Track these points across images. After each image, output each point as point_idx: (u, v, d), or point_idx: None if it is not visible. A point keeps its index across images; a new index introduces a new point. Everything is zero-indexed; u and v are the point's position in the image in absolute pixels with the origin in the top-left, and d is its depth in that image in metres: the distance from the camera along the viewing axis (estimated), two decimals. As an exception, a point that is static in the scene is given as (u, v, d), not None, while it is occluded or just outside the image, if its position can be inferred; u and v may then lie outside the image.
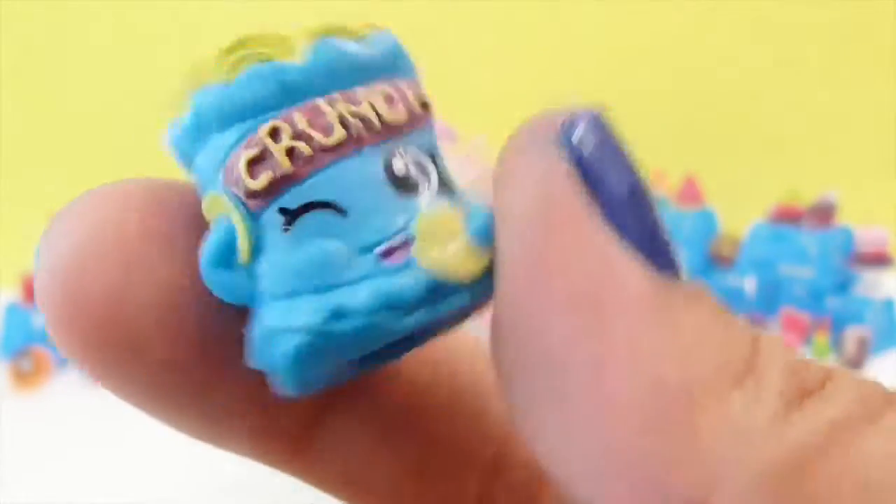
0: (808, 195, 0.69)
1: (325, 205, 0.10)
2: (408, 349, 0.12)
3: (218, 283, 0.10)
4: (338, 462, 0.13)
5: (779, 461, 0.08)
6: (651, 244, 0.10)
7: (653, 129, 0.92)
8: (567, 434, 0.09)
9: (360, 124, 0.11)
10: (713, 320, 0.09)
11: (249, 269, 0.10)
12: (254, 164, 0.10)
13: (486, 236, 0.11)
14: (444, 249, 0.10)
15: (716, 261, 0.73)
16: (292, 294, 0.10)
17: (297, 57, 0.11)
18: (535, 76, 0.90)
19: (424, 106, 0.12)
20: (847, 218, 0.68)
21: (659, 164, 0.80)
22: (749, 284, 0.73)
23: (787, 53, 0.90)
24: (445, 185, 0.12)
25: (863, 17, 0.88)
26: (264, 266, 0.10)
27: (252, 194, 0.10)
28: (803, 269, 0.68)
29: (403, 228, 0.11)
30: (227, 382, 0.11)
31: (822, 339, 0.65)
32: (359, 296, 0.10)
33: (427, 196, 0.11)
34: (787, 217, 0.69)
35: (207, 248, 0.10)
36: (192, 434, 0.12)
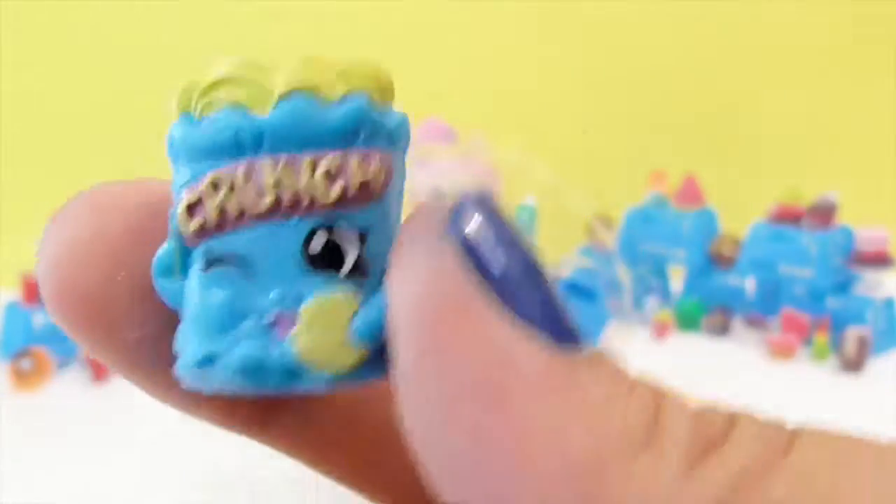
0: (808, 195, 0.69)
1: (237, 261, 0.11)
2: (296, 392, 0.12)
3: (160, 288, 0.12)
4: (292, 443, 0.14)
5: None
6: (547, 317, 0.10)
7: (653, 129, 0.92)
8: None
9: (290, 197, 0.11)
10: (614, 387, 0.10)
11: (181, 286, 0.12)
12: (191, 207, 0.12)
13: (369, 335, 0.11)
14: (320, 339, 0.11)
15: (716, 261, 0.74)
16: (192, 325, 0.12)
17: (267, 108, 0.12)
18: (534, 76, 0.90)
19: (367, 184, 0.12)
20: (847, 218, 0.69)
21: (659, 164, 0.80)
22: (749, 284, 0.73)
23: (787, 53, 0.90)
24: (360, 270, 0.12)
25: (863, 17, 0.88)
26: (187, 290, 0.12)
27: (186, 233, 0.12)
28: (803, 269, 0.68)
29: (296, 304, 0.11)
30: None
31: (822, 339, 0.65)
32: (232, 353, 0.11)
33: (332, 280, 0.11)
34: (787, 217, 0.69)
35: (156, 259, 0.12)
36: (170, 404, 0.14)
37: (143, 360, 0.13)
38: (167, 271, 0.12)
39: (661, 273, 0.75)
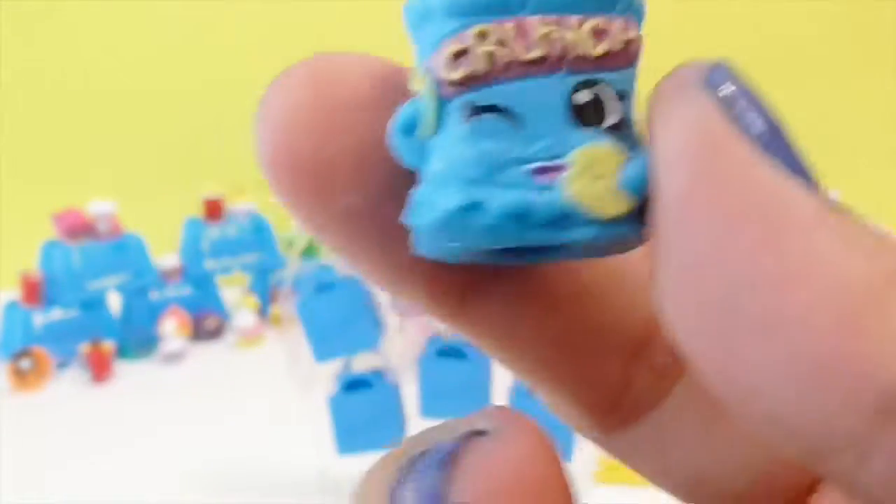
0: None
1: (503, 111, 0.12)
2: (545, 260, 0.13)
3: (399, 146, 0.12)
4: (490, 326, 0.14)
5: None
6: (801, 172, 0.10)
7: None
8: (747, 347, 0.09)
9: (560, 49, 0.12)
10: (878, 233, 0.10)
11: (426, 142, 0.12)
12: (456, 57, 0.12)
13: (637, 185, 0.11)
14: (591, 185, 0.11)
15: (716, 261, 0.73)
16: (448, 176, 0.12)
17: None
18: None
19: (628, 45, 0.12)
20: (847, 218, 0.68)
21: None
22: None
23: (787, 53, 0.90)
24: (622, 128, 0.12)
25: (863, 16, 0.88)
26: (438, 144, 0.12)
27: (448, 82, 0.12)
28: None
29: (562, 154, 0.11)
30: (403, 235, 0.13)
31: (822, 338, 0.64)
32: (497, 200, 0.11)
33: (598, 132, 0.12)
34: (787, 217, 0.69)
35: (400, 115, 0.12)
36: (374, 279, 0.14)
37: (355, 230, 0.13)
38: (410, 128, 0.12)
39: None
